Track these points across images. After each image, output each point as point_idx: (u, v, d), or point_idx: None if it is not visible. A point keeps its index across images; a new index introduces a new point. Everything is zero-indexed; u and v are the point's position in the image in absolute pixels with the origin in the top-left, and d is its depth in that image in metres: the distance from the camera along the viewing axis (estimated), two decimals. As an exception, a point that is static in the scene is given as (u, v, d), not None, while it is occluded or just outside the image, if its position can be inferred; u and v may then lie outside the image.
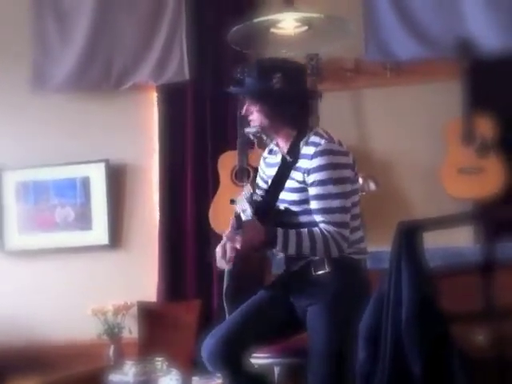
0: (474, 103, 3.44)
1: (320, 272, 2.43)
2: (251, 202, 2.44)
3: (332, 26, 3.20)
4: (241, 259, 2.40)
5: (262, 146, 2.68)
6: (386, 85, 3.68)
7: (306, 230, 2.38)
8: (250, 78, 2.48)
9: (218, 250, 2.45)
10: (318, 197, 2.37)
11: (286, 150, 2.49)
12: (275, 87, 2.43)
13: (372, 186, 3.46)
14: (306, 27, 3.23)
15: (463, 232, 3.32)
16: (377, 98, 3.73)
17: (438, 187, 3.48)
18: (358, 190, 2.52)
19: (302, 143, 2.45)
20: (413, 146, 3.66)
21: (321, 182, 2.36)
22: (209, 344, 2.42)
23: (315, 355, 2.40)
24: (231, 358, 2.39)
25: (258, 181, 2.69)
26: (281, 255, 2.50)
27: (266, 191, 2.54)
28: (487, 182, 3.43)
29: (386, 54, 3.65)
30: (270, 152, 2.62)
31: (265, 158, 2.65)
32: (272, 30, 3.25)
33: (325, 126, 3.51)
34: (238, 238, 2.37)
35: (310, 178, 2.38)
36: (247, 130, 2.53)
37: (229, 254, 2.39)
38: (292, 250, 2.37)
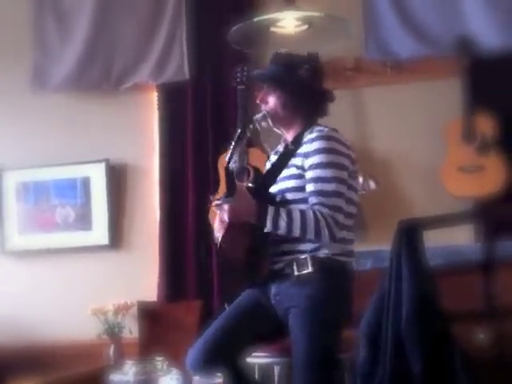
0: (475, 101, 3.44)
1: (303, 272, 2.36)
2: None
3: (332, 24, 3.20)
4: (227, 243, 2.36)
5: (259, 140, 2.64)
6: (387, 83, 3.67)
7: (298, 209, 2.33)
8: (275, 65, 2.48)
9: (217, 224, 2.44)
10: (315, 179, 2.34)
11: (291, 140, 2.48)
12: (301, 76, 2.43)
13: (372, 184, 3.46)
14: (306, 26, 3.23)
15: (463, 230, 3.31)
16: (377, 97, 3.72)
17: (438, 186, 3.47)
18: (357, 189, 2.48)
19: (306, 133, 2.44)
20: (413, 144, 3.65)
21: (318, 165, 2.34)
22: (192, 355, 2.40)
23: (298, 360, 2.34)
24: (214, 366, 2.33)
25: None
26: None
27: (263, 176, 2.51)
28: (487, 181, 3.42)
29: (386, 53, 3.64)
30: (276, 153, 2.60)
31: (270, 159, 2.63)
32: (272, 28, 3.25)
33: (324, 123, 3.52)
34: (226, 207, 2.32)
35: (309, 162, 2.36)
36: (255, 117, 2.50)
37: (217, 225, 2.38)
38: (282, 229, 2.31)
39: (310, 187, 2.35)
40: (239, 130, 2.43)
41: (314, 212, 2.31)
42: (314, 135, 2.39)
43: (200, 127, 3.84)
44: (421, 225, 2.18)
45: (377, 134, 3.72)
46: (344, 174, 2.36)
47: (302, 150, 2.40)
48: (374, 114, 3.72)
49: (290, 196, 2.40)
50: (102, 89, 3.95)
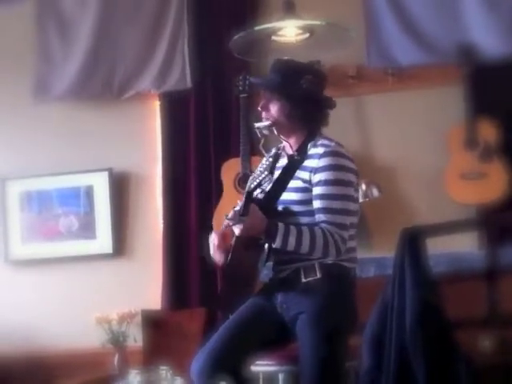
0: (477, 109, 3.44)
1: (310, 278, 2.38)
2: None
3: (334, 33, 3.21)
4: (235, 259, 2.38)
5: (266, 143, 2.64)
6: (388, 91, 3.68)
7: (307, 227, 2.34)
8: (278, 73, 2.47)
9: (214, 238, 2.44)
10: (322, 196, 2.36)
11: (294, 149, 2.47)
12: (303, 87, 2.43)
13: (375, 192, 3.46)
14: (307, 34, 3.25)
15: (467, 237, 3.31)
16: (379, 105, 3.73)
17: (441, 193, 3.47)
18: (358, 199, 2.50)
19: (310, 145, 2.44)
20: (415, 151, 3.66)
21: (326, 182, 2.35)
22: (197, 363, 2.39)
23: (305, 366, 2.35)
24: (219, 373, 2.33)
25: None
26: (270, 263, 2.46)
27: (268, 190, 2.51)
28: (490, 188, 3.42)
29: (388, 61, 3.65)
30: (271, 157, 2.58)
31: (263, 162, 2.60)
32: (274, 37, 3.26)
33: (327, 132, 3.52)
34: (239, 225, 2.33)
35: (316, 178, 2.37)
36: (258, 124, 2.50)
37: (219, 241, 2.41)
38: (291, 246, 2.33)
39: (317, 203, 2.37)
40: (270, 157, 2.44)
41: (323, 230, 2.34)
42: (321, 151, 2.39)
43: (202, 135, 3.85)
44: (424, 232, 2.18)
45: (379, 142, 3.72)
46: (351, 191, 2.39)
47: (309, 163, 2.41)
48: (376, 122, 3.73)
49: (295, 208, 2.42)
50: (105, 98, 3.96)
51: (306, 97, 2.44)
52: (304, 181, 2.40)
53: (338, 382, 2.35)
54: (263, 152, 2.59)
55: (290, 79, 2.44)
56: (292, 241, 2.32)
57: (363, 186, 3.40)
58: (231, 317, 2.49)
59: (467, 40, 3.52)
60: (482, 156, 3.43)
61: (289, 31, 3.24)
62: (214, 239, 2.47)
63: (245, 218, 2.31)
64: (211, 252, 2.48)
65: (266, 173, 2.36)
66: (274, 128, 2.47)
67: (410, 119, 3.69)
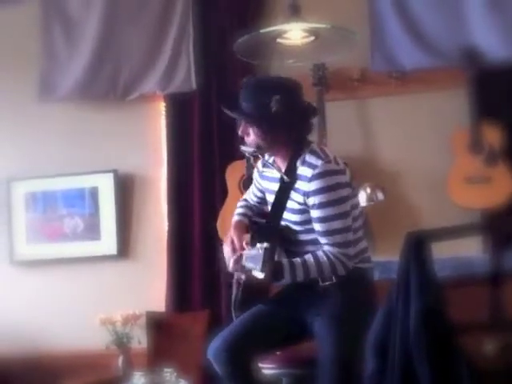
0: (481, 112, 3.44)
1: (327, 283, 2.44)
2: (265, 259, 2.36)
3: (338, 36, 3.21)
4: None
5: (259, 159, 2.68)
6: (392, 94, 3.68)
7: (311, 255, 2.40)
8: (246, 103, 2.43)
9: (227, 251, 2.48)
10: (320, 219, 2.39)
11: (283, 169, 2.48)
12: (272, 110, 2.38)
13: (380, 195, 3.46)
14: (312, 37, 3.24)
15: (472, 242, 3.31)
16: (383, 108, 3.73)
17: (445, 197, 3.47)
18: (358, 204, 2.52)
19: (298, 162, 2.43)
20: (420, 155, 3.66)
21: (320, 205, 2.37)
22: (215, 344, 2.45)
23: (324, 367, 2.40)
24: (237, 357, 2.41)
25: (254, 191, 2.69)
26: None
27: (269, 214, 2.54)
28: (495, 192, 3.42)
29: (392, 64, 3.65)
30: (264, 165, 2.61)
31: (259, 170, 2.64)
32: (279, 40, 3.26)
33: (331, 135, 3.54)
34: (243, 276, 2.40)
35: (310, 201, 2.39)
36: (243, 148, 2.52)
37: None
38: (300, 279, 2.40)
39: (316, 227, 2.41)
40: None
41: (326, 254, 2.39)
42: (309, 174, 2.38)
43: (207, 137, 3.85)
44: (429, 237, 2.18)
45: (383, 145, 3.73)
46: (347, 206, 2.40)
47: (301, 186, 2.41)
48: (380, 125, 3.73)
49: (296, 227, 2.46)
50: (109, 99, 3.97)
51: (277, 120, 2.40)
52: (299, 203, 2.43)
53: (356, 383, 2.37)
54: (255, 166, 2.66)
55: (258, 105, 2.40)
56: (300, 276, 2.39)
57: (368, 190, 3.41)
58: (250, 311, 2.53)
59: (471, 43, 3.51)
60: (487, 160, 3.42)
61: (294, 34, 3.23)
62: (227, 253, 2.49)
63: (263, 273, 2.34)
64: (228, 266, 2.49)
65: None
66: (258, 154, 2.51)
67: (413, 122, 3.69)
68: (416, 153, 3.67)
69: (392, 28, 3.65)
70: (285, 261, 2.40)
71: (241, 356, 2.43)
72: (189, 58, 3.88)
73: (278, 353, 2.88)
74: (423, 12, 3.64)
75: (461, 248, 3.17)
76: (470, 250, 3.33)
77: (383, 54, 3.65)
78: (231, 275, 2.51)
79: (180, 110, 3.93)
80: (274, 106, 2.38)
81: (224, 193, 3.71)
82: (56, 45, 4.03)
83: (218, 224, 3.65)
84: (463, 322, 2.15)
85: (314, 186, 2.37)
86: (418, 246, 2.16)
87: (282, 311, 2.52)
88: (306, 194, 2.39)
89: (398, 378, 2.06)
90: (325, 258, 2.38)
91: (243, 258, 2.41)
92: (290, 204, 2.46)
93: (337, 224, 2.38)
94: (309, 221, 2.42)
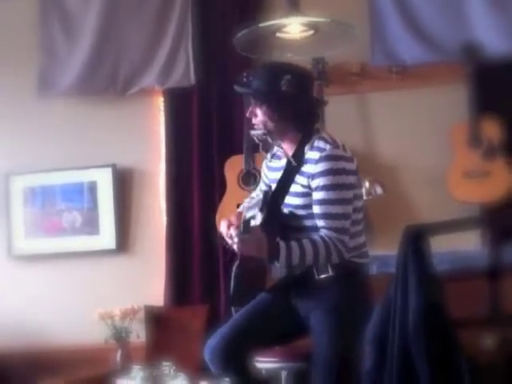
0: (481, 107, 3.44)
1: (323, 276, 2.42)
2: (263, 206, 2.39)
3: (338, 30, 3.20)
4: (244, 261, 2.40)
5: (267, 148, 2.68)
6: (392, 89, 3.68)
7: (308, 240, 2.37)
8: (257, 80, 2.47)
9: (223, 227, 2.44)
10: (320, 202, 2.37)
11: (290, 154, 2.48)
12: (282, 89, 2.41)
13: (379, 190, 3.46)
14: (312, 31, 3.23)
15: (470, 236, 3.32)
16: (383, 102, 3.73)
17: (444, 191, 3.47)
18: (362, 196, 2.51)
19: (306, 147, 2.44)
20: (419, 149, 3.66)
21: (324, 187, 2.36)
22: (211, 344, 2.45)
23: (319, 361, 2.39)
24: (233, 357, 2.40)
25: (261, 185, 2.69)
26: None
27: (271, 195, 2.53)
28: (494, 186, 3.42)
29: (392, 59, 3.65)
30: (273, 156, 2.61)
31: (267, 162, 2.64)
32: (278, 34, 3.25)
33: (330, 130, 3.51)
34: (239, 245, 2.34)
35: (314, 183, 2.38)
36: (252, 132, 2.52)
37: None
38: (295, 263, 2.37)
39: (316, 209, 2.39)
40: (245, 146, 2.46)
41: (323, 238, 2.36)
42: (317, 156, 2.39)
43: (206, 132, 3.85)
44: (427, 230, 2.17)
45: (382, 139, 3.72)
46: (349, 194, 2.39)
47: (307, 169, 2.41)
48: (380, 120, 3.73)
49: (299, 212, 2.44)
50: (109, 94, 3.97)
51: (286, 99, 2.42)
52: (303, 186, 2.42)
53: (352, 378, 2.36)
54: (264, 155, 2.62)
55: (269, 82, 2.43)
56: (295, 258, 2.36)
57: (367, 184, 3.40)
58: (246, 307, 2.51)
59: (471, 38, 3.51)
60: (486, 154, 3.42)
61: (293, 28, 3.22)
62: (223, 227, 2.46)
63: (246, 236, 2.32)
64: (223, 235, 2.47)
65: (256, 210, 2.39)
66: (267, 137, 2.49)
67: (413, 117, 3.69)
68: (415, 147, 3.67)
69: (392, 22, 3.65)
70: (281, 242, 2.37)
71: (237, 355, 2.41)
72: (188, 53, 3.88)
73: (277, 347, 2.87)
74: (423, 7, 3.63)
75: (459, 242, 3.18)
76: (469, 244, 3.34)
77: (383, 48, 3.65)
78: (231, 267, 2.50)
79: (179, 105, 3.93)
80: (284, 84, 2.41)
81: (223, 187, 3.71)
82: (55, 40, 4.02)
83: (217, 218, 3.64)
84: (462, 316, 2.15)
85: (319, 167, 2.36)
86: (416, 240, 2.15)
87: (277, 308, 2.51)
88: (311, 176, 2.38)
89: (396, 372, 2.06)
90: (321, 242, 2.35)
91: (243, 208, 2.42)
92: (293, 188, 2.44)
93: (337, 209, 2.36)
94: (312, 205, 2.40)
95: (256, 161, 3.60)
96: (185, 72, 3.87)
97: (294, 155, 2.46)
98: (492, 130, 3.45)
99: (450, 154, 3.52)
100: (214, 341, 2.46)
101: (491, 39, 3.49)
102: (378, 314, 2.25)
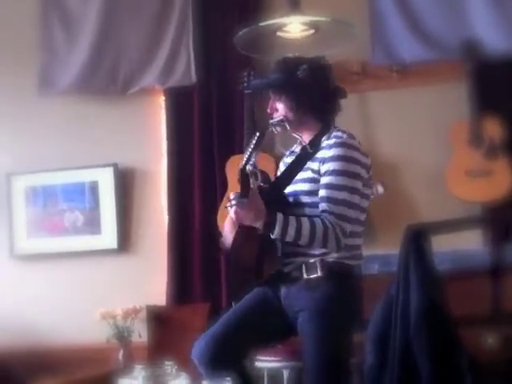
0: (481, 105, 3.44)
1: (312, 276, 2.37)
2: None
3: (338, 29, 3.21)
4: (235, 251, 2.38)
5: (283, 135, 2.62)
6: (393, 87, 3.68)
7: (307, 218, 2.33)
8: (276, 72, 2.48)
9: (227, 224, 2.44)
10: (327, 186, 2.34)
11: (307, 142, 2.46)
12: (299, 77, 2.42)
13: (380, 189, 3.46)
14: (312, 31, 3.24)
15: (472, 235, 3.31)
16: (383, 101, 3.73)
17: (445, 190, 3.47)
18: (369, 197, 2.47)
19: (324, 137, 2.42)
20: (420, 148, 3.66)
21: (333, 172, 2.34)
22: (199, 345, 2.42)
23: (308, 363, 2.35)
24: (223, 357, 2.36)
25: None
26: (279, 254, 2.44)
27: (278, 177, 2.50)
28: (495, 185, 3.41)
29: (393, 57, 3.65)
30: (291, 153, 2.58)
31: (284, 159, 2.61)
32: (278, 33, 3.25)
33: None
34: (238, 208, 2.31)
35: (324, 167, 2.36)
36: (271, 121, 2.50)
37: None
38: (290, 237, 2.31)
39: (321, 192, 2.36)
40: (258, 134, 2.41)
41: (323, 220, 2.32)
42: (332, 141, 2.38)
43: (207, 131, 3.85)
44: (429, 230, 2.18)
45: (383, 138, 3.72)
46: (357, 184, 2.36)
47: (320, 154, 2.40)
48: (380, 118, 3.73)
49: (304, 199, 2.40)
50: (109, 93, 3.97)
51: (304, 89, 2.42)
52: (313, 171, 2.39)
53: (341, 379, 2.36)
54: (282, 150, 2.59)
55: (286, 72, 2.44)
56: (291, 232, 2.30)
57: (369, 183, 3.40)
58: (235, 305, 2.50)
59: (471, 36, 3.51)
60: (487, 153, 3.42)
61: (294, 27, 3.23)
62: (226, 226, 2.45)
63: (244, 200, 2.30)
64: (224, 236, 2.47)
65: (251, 145, 2.36)
66: (285, 123, 2.46)
67: (414, 116, 3.69)
68: (416, 146, 3.67)
69: (392, 21, 3.65)
70: (279, 214, 2.32)
71: (226, 355, 2.37)
72: (188, 52, 3.88)
73: (279, 346, 2.86)
74: (423, 5, 3.64)
75: (461, 241, 3.18)
76: (470, 243, 3.34)
77: (383, 47, 3.65)
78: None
79: (180, 104, 3.93)
80: (300, 73, 2.42)
81: (224, 187, 3.71)
82: (55, 39, 4.02)
83: (218, 218, 3.65)
84: (463, 315, 2.16)
85: (332, 152, 2.35)
86: (418, 239, 2.16)
87: (267, 307, 2.46)
88: (323, 161, 2.36)
89: (397, 370, 2.07)
90: (320, 225, 2.30)
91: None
92: (303, 174, 2.42)
93: (343, 195, 2.32)
94: (317, 192, 2.37)
95: (257, 160, 3.60)
96: (186, 71, 3.87)
97: (310, 142, 2.45)
98: (493, 128, 3.45)
99: (451, 153, 3.52)
100: (202, 342, 2.42)
101: (491, 37, 3.49)
102: (379, 312, 2.26)
